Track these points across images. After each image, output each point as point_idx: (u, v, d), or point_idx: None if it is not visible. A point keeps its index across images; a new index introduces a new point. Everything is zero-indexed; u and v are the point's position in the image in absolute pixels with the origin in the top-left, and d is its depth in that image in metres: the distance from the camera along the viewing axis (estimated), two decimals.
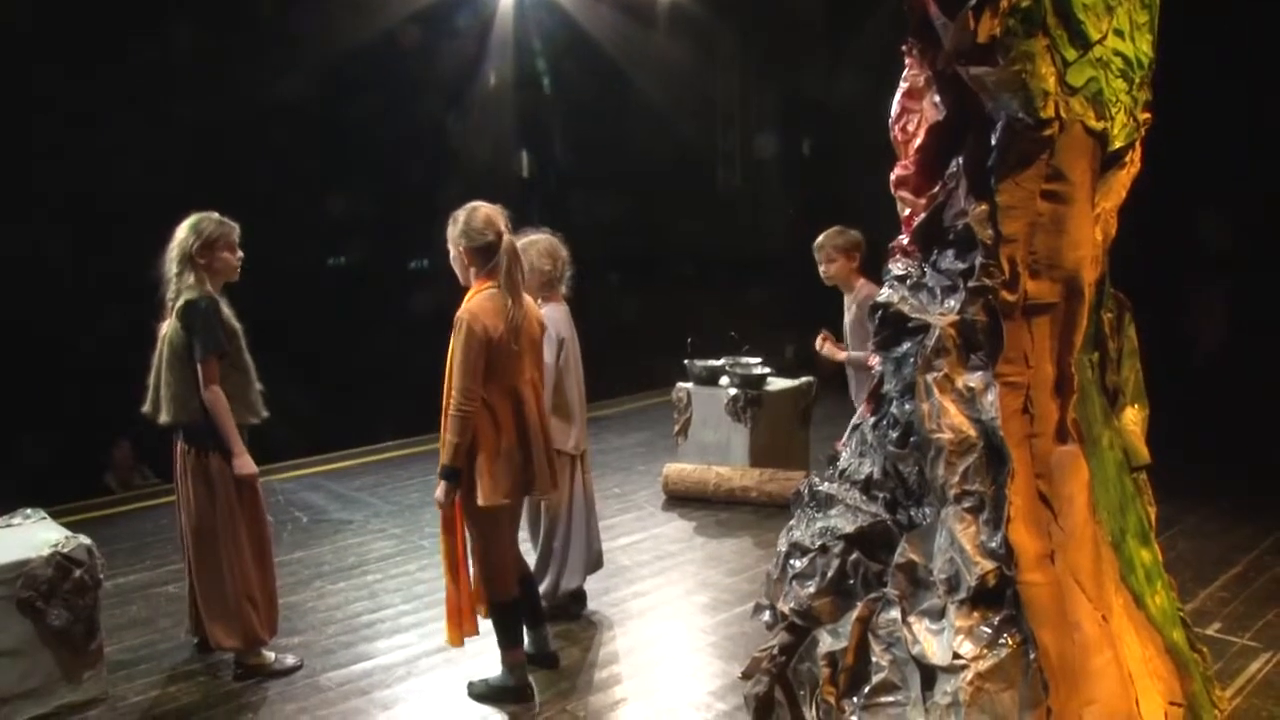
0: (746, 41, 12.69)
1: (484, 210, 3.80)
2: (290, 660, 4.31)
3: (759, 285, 10.93)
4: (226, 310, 4.11)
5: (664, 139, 12.17)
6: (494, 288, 3.78)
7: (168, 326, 4.04)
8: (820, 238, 5.02)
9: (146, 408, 4.12)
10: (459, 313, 3.74)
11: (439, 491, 3.75)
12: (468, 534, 3.89)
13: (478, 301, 3.75)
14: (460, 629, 3.92)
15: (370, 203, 9.49)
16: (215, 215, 4.12)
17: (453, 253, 3.87)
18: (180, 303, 3.98)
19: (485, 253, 3.78)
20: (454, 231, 3.82)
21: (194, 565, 4.16)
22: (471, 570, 3.93)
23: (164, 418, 4.05)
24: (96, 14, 7.35)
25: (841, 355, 5.07)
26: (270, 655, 4.27)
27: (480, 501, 3.72)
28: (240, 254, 4.17)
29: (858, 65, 10.66)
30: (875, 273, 3.32)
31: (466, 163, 10.08)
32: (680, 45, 11.74)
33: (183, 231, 4.06)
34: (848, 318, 5.11)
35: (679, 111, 12.45)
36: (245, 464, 4.08)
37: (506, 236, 3.82)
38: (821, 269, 5.03)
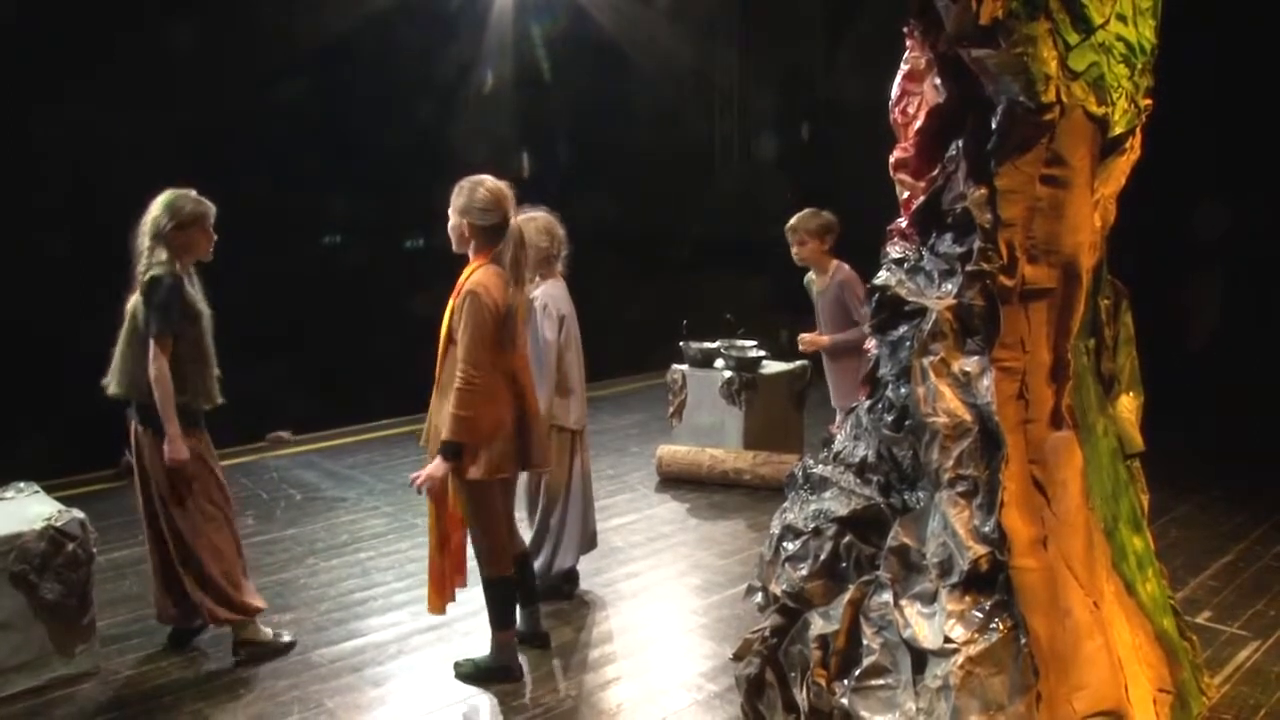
0: (746, 22, 12.61)
1: (491, 186, 3.77)
2: (287, 637, 4.30)
3: (756, 268, 10.90)
4: (192, 291, 4.01)
5: (661, 121, 12.09)
6: (497, 264, 3.78)
7: (133, 301, 3.97)
8: (793, 219, 5.07)
9: (106, 378, 4.05)
10: (467, 284, 3.70)
11: (433, 467, 3.70)
12: (461, 508, 3.87)
13: (486, 275, 3.72)
14: (443, 596, 3.95)
15: (360, 167, 9.41)
16: (193, 193, 4.03)
17: (453, 220, 3.81)
18: (146, 278, 3.90)
19: (490, 233, 3.77)
20: (459, 201, 3.78)
21: (174, 546, 4.05)
22: (454, 541, 3.94)
23: (113, 389, 4.00)
24: (97, 12, 7.30)
25: (825, 340, 5.08)
26: (268, 631, 4.27)
27: (474, 476, 3.71)
28: (214, 236, 4.07)
29: (858, 47, 10.63)
30: (871, 255, 3.31)
31: (461, 153, 10.02)
32: (678, 24, 11.66)
33: (157, 208, 3.96)
34: (821, 301, 5.13)
35: (677, 94, 12.37)
36: (178, 449, 3.91)
37: (514, 221, 3.80)
38: (793, 250, 5.08)
